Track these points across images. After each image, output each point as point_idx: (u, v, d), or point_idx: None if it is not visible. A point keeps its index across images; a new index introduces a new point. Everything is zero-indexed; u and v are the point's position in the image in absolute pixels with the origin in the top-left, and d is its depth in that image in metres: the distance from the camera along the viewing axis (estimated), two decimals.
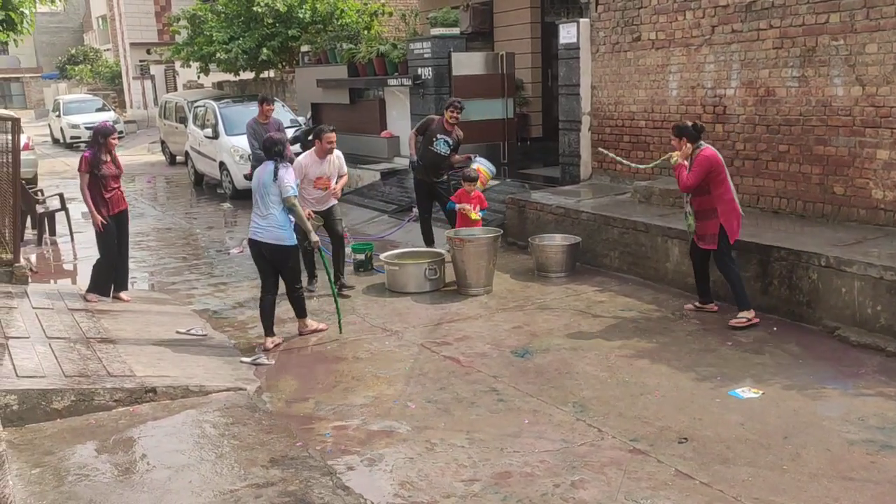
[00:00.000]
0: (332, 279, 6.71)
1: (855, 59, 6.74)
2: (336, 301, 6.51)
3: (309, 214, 6.74)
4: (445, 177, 8.53)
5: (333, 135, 7.29)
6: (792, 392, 4.95)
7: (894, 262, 5.63)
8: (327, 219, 7.48)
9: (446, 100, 11.70)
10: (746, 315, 6.10)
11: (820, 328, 5.95)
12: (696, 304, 6.58)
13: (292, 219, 6.10)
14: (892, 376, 5.10)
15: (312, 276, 7.70)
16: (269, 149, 6.18)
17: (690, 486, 3.92)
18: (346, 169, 7.68)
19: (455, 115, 8.24)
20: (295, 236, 6.16)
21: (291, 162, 6.39)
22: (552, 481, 4.02)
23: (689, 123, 6.30)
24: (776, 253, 6.31)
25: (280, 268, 6.21)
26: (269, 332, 6.24)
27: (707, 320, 6.35)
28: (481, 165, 8.31)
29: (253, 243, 6.18)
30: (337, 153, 7.44)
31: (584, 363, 5.59)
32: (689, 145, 6.16)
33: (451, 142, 8.27)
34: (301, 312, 6.42)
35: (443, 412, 4.91)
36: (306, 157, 7.33)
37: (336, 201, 7.62)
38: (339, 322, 6.46)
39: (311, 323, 6.49)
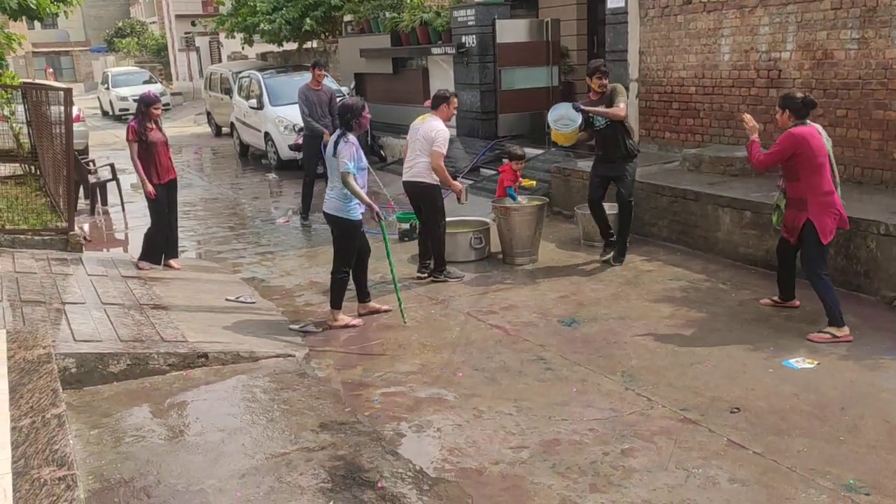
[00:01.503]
0: (391, 260, 6.18)
1: None
2: (396, 288, 6.11)
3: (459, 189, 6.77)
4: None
5: (456, 99, 6.95)
6: (848, 363, 4.83)
7: None
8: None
9: (490, 68, 11.67)
10: (834, 332, 5.17)
11: (878, 298, 5.79)
12: (775, 299, 5.83)
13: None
14: None
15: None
16: (341, 116, 5.87)
17: (743, 456, 3.86)
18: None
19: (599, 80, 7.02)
20: (356, 210, 5.82)
21: (362, 130, 6.08)
22: (601, 449, 3.99)
23: (800, 95, 5.35)
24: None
25: (334, 242, 5.97)
26: (335, 304, 5.96)
27: (760, 291, 6.20)
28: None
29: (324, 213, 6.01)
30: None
31: (632, 333, 5.53)
32: (792, 121, 5.27)
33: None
34: (335, 301, 5.96)
35: (490, 380, 4.91)
36: (445, 128, 6.79)
37: None
38: (402, 310, 6.01)
39: (343, 318, 5.99)
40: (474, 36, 11.61)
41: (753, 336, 5.34)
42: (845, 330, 5.16)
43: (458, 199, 6.97)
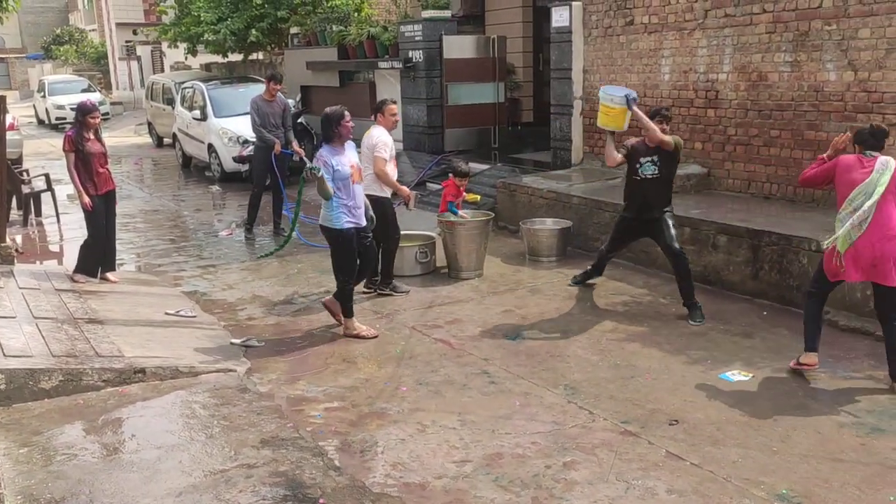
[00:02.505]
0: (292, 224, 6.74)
1: (847, 44, 6.74)
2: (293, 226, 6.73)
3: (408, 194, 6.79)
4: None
5: (395, 106, 6.84)
6: (781, 375, 4.97)
7: None
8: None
9: (437, 83, 11.74)
10: (801, 358, 4.93)
11: None
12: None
13: (340, 203, 5.77)
14: (881, 360, 5.11)
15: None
16: (322, 127, 5.88)
17: (681, 467, 3.93)
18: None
19: None
20: (341, 219, 5.77)
21: (345, 138, 5.93)
22: (543, 462, 4.02)
23: (867, 127, 4.85)
24: (767, 237, 6.32)
25: (331, 253, 5.98)
26: (349, 313, 5.96)
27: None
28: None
29: None
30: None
31: (575, 346, 5.59)
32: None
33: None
34: (346, 311, 5.97)
35: (434, 394, 4.90)
36: (384, 132, 6.72)
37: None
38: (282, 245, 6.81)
39: (357, 326, 5.94)
40: (421, 51, 11.67)
41: (692, 349, 5.46)
42: (810, 357, 4.90)
43: (406, 205, 6.95)
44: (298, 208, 6.45)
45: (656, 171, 6.14)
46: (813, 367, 4.89)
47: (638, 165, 6.19)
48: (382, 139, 6.68)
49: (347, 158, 5.92)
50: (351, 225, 5.84)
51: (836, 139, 5.01)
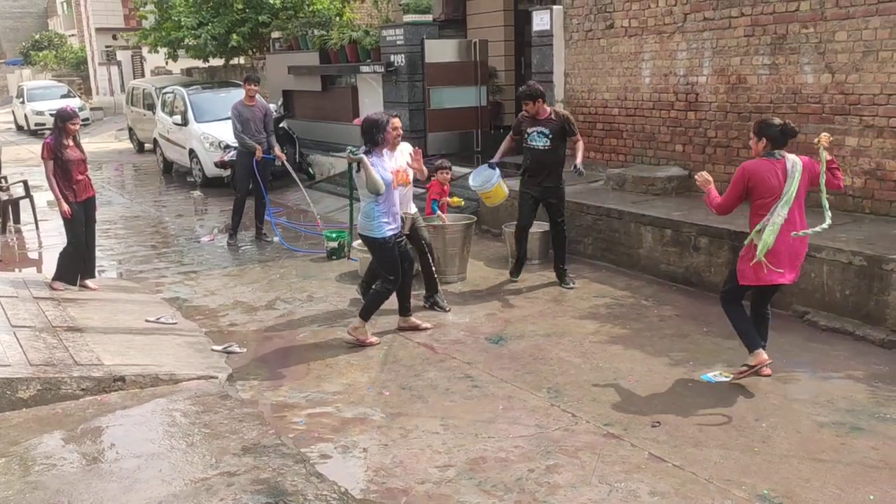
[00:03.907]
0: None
1: (825, 47, 6.81)
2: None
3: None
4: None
5: (398, 120, 6.22)
6: (763, 376, 4.99)
7: (862, 247, 5.70)
8: (413, 226, 6.48)
9: (419, 87, 11.75)
10: (748, 362, 4.91)
11: (790, 313, 6.02)
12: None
13: (381, 211, 5.64)
14: (860, 360, 5.18)
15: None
16: (367, 132, 5.61)
17: (663, 469, 3.94)
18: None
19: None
20: (383, 228, 5.65)
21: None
22: (527, 466, 4.02)
23: (778, 122, 4.72)
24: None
25: (373, 259, 5.93)
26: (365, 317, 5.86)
27: (681, 307, 6.39)
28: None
29: None
30: (405, 144, 6.39)
31: (558, 349, 5.60)
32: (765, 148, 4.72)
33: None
34: (365, 312, 5.84)
35: (417, 399, 4.89)
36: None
37: (416, 208, 6.71)
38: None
39: (364, 331, 5.86)
40: (403, 55, 11.66)
41: (674, 351, 5.48)
42: (756, 357, 4.86)
43: None
44: (352, 209, 5.99)
45: (547, 143, 6.79)
46: (766, 363, 4.83)
47: (526, 137, 6.89)
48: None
49: (393, 163, 5.87)
50: (392, 232, 5.75)
51: (699, 180, 5.01)
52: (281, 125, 12.81)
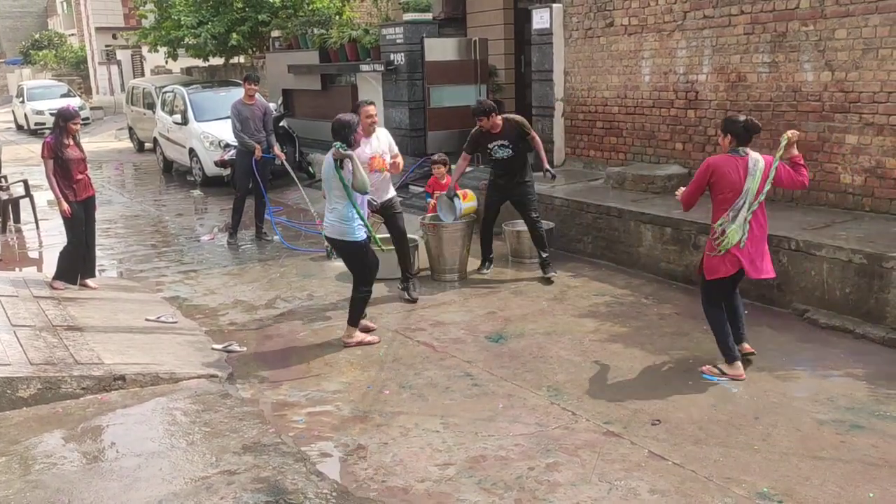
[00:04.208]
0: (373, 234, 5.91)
1: (825, 45, 6.80)
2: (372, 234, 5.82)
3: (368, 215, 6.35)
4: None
5: (372, 107, 6.44)
6: (763, 374, 5.00)
7: (862, 244, 5.70)
8: (387, 213, 6.72)
9: (419, 85, 11.74)
10: (721, 367, 4.98)
11: (790, 311, 6.02)
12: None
13: (357, 214, 5.59)
14: (860, 357, 5.17)
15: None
16: (338, 131, 5.53)
17: (663, 467, 3.94)
18: (396, 148, 6.78)
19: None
20: (360, 232, 5.64)
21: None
22: (527, 464, 4.02)
23: (742, 119, 4.86)
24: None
25: (346, 264, 5.87)
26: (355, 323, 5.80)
27: (681, 305, 6.38)
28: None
29: (327, 238, 5.87)
30: (383, 130, 6.67)
31: (558, 347, 5.60)
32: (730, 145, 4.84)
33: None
34: (352, 319, 5.80)
35: (417, 397, 4.89)
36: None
37: (395, 192, 6.85)
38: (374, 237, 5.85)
39: (358, 335, 5.83)
40: (403, 54, 11.66)
41: (674, 349, 5.48)
42: (733, 368, 4.92)
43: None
44: (360, 212, 5.94)
45: (508, 153, 7.11)
46: (741, 377, 4.87)
47: (490, 150, 7.15)
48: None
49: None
50: (365, 234, 5.70)
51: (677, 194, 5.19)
52: (281, 124, 12.81)
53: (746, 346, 5.13)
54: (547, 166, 7.20)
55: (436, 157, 7.97)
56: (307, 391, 5.05)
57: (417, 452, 4.19)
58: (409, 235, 7.93)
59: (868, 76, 6.52)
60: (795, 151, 4.81)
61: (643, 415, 4.51)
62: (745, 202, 4.73)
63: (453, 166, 7.98)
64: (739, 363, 4.95)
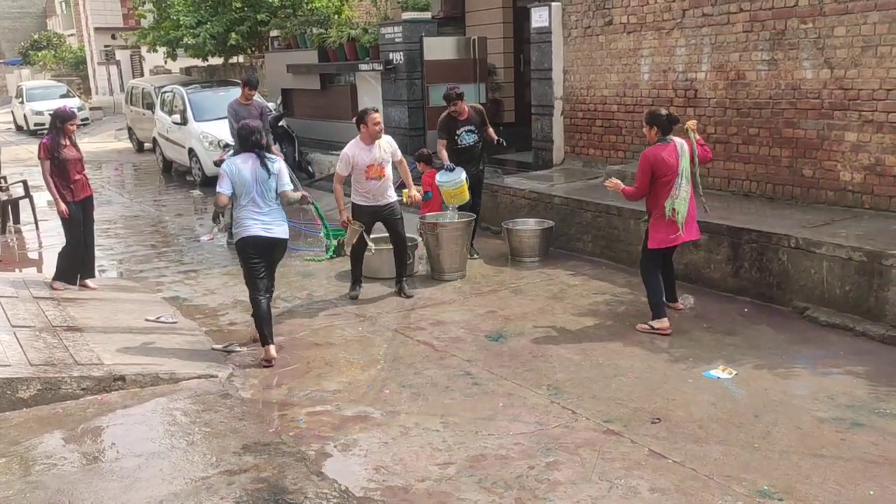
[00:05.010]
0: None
1: (824, 42, 6.79)
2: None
3: (346, 220, 6.60)
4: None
5: (378, 115, 6.50)
6: (763, 372, 5.00)
7: (862, 242, 5.70)
8: (387, 218, 6.76)
9: (418, 84, 11.73)
10: (652, 323, 5.73)
11: (790, 309, 6.02)
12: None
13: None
14: (860, 355, 5.18)
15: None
16: (247, 138, 5.55)
17: (663, 466, 3.94)
18: (400, 154, 6.83)
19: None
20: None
21: (268, 150, 5.99)
22: (527, 463, 4.02)
23: (664, 112, 5.77)
24: (746, 235, 6.36)
25: (275, 263, 5.90)
26: (270, 338, 5.52)
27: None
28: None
29: (255, 241, 5.55)
30: (387, 138, 6.70)
31: (557, 346, 5.60)
32: (658, 137, 5.66)
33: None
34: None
35: (417, 397, 4.89)
36: (351, 146, 6.55)
37: (395, 197, 6.80)
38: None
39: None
40: (402, 53, 11.65)
41: (674, 347, 5.48)
42: (661, 322, 5.71)
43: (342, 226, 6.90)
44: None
45: (472, 140, 7.69)
46: (667, 331, 5.65)
47: (456, 137, 7.61)
48: (343, 154, 6.64)
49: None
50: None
51: (609, 186, 6.00)
52: (280, 124, 12.80)
53: (679, 304, 6.12)
54: (494, 136, 7.84)
55: (420, 152, 8.37)
56: (307, 391, 5.05)
57: (417, 452, 4.19)
58: (409, 234, 7.96)
59: (867, 73, 6.51)
60: (698, 135, 5.83)
61: (643, 413, 4.51)
62: (683, 179, 5.58)
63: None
64: (667, 319, 5.72)
